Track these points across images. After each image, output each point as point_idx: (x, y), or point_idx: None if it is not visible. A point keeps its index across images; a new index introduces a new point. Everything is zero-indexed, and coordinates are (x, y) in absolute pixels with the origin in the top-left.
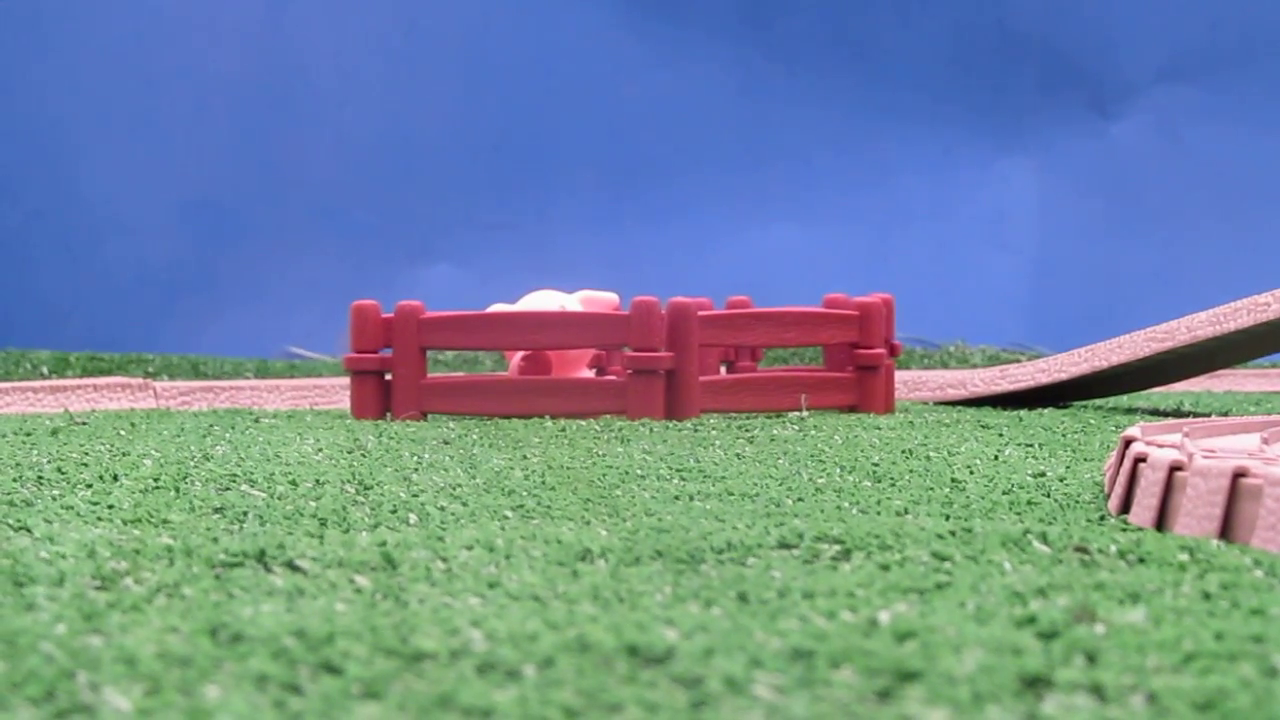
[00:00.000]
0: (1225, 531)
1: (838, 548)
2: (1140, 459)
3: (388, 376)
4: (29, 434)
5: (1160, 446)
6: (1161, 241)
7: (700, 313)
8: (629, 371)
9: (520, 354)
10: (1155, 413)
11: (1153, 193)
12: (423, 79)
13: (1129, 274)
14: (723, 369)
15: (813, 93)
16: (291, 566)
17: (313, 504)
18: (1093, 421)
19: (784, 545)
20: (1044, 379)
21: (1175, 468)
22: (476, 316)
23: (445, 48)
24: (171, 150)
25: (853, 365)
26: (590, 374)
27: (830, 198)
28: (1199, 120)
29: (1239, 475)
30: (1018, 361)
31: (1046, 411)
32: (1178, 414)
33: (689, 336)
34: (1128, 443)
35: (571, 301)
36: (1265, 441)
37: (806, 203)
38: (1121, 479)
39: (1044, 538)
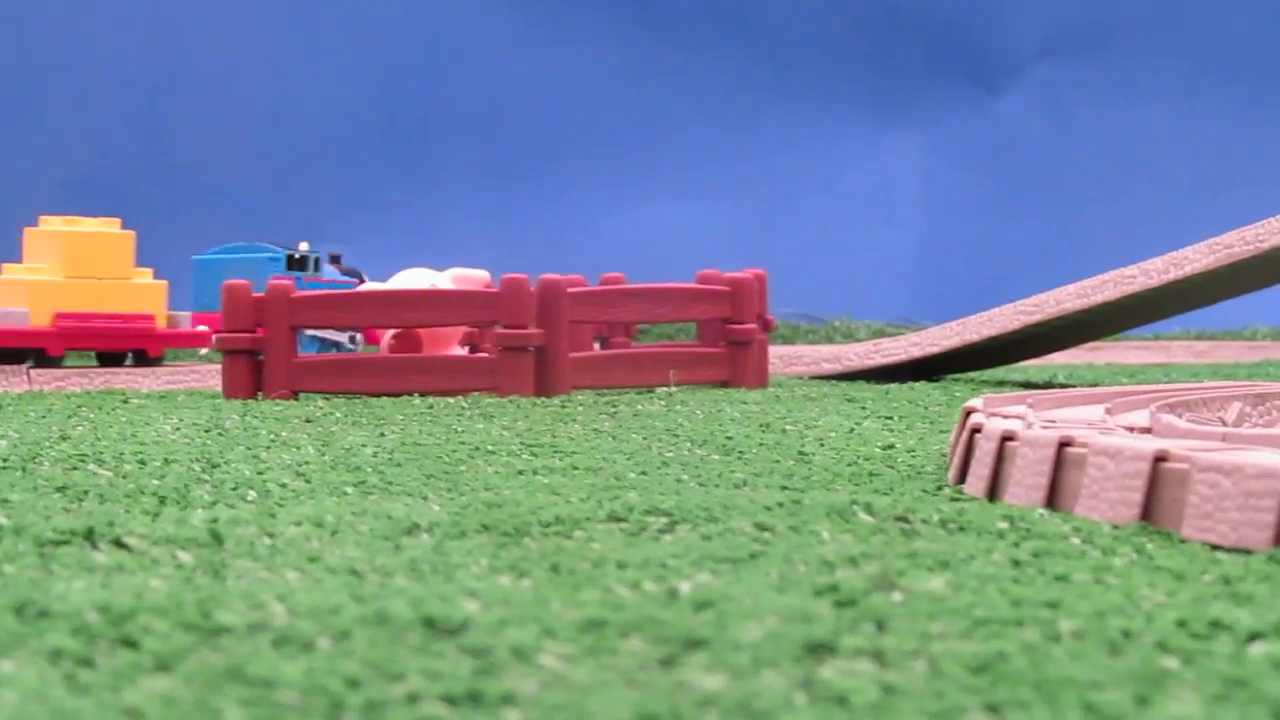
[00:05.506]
0: (1052, 500)
1: (665, 520)
2: (976, 430)
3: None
4: None
5: (1004, 418)
6: (1045, 216)
7: (571, 289)
8: (499, 348)
9: (391, 332)
10: (1028, 384)
11: (1037, 168)
12: (309, 59)
13: (1013, 248)
14: (597, 345)
15: (698, 70)
16: (118, 544)
17: (155, 482)
18: (958, 394)
19: (614, 518)
20: (916, 352)
21: (1007, 438)
22: (346, 295)
23: (331, 28)
24: (55, 131)
25: (725, 341)
26: (463, 351)
27: (716, 174)
28: (1083, 95)
29: (1064, 444)
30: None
31: (918, 385)
32: (1048, 386)
33: (559, 313)
34: (968, 413)
35: (443, 279)
36: (1109, 412)
37: (693, 180)
38: (959, 450)
39: (869, 508)
